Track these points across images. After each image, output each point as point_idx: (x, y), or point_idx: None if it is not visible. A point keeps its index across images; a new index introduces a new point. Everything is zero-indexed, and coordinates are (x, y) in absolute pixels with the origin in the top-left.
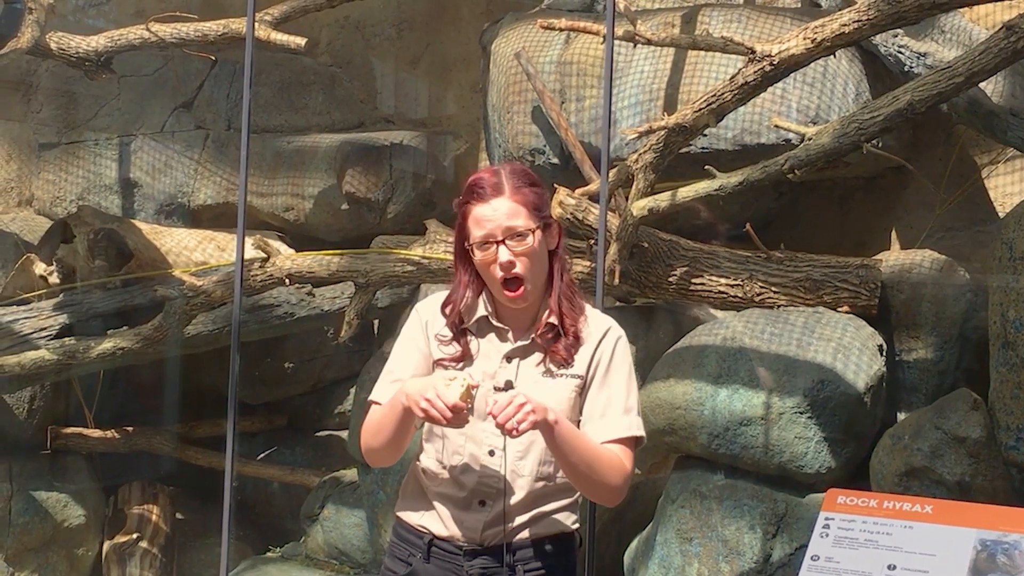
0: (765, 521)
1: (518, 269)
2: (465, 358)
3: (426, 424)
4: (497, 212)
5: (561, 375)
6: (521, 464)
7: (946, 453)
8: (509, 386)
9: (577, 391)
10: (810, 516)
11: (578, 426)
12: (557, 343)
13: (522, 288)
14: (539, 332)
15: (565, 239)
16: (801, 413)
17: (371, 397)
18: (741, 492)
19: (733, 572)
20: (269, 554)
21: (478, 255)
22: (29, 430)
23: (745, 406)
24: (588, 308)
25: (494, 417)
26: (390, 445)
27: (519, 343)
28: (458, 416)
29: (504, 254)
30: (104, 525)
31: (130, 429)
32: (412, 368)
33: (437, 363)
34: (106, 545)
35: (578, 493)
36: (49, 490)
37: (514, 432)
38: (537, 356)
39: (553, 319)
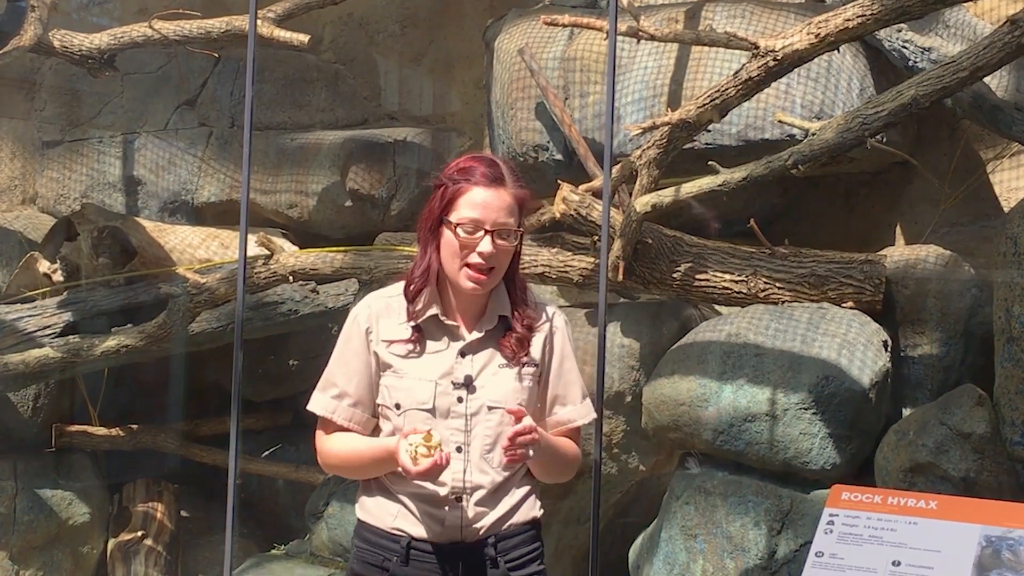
0: (770, 517)
1: (494, 263)
2: (420, 353)
3: (391, 426)
4: (496, 203)
5: (519, 365)
6: (490, 457)
7: (951, 449)
8: (468, 381)
9: (535, 379)
10: (815, 512)
11: (536, 413)
12: (511, 335)
13: (487, 278)
14: (513, 316)
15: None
16: (806, 409)
17: (313, 408)
18: (746, 488)
19: (738, 568)
20: (274, 551)
21: (461, 236)
22: (34, 428)
23: (750, 402)
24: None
25: (506, 450)
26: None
27: (472, 337)
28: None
29: (488, 245)
30: (109, 523)
31: (135, 427)
32: (355, 381)
33: (387, 366)
34: (111, 543)
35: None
36: (54, 488)
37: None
38: (490, 350)
39: (509, 313)
